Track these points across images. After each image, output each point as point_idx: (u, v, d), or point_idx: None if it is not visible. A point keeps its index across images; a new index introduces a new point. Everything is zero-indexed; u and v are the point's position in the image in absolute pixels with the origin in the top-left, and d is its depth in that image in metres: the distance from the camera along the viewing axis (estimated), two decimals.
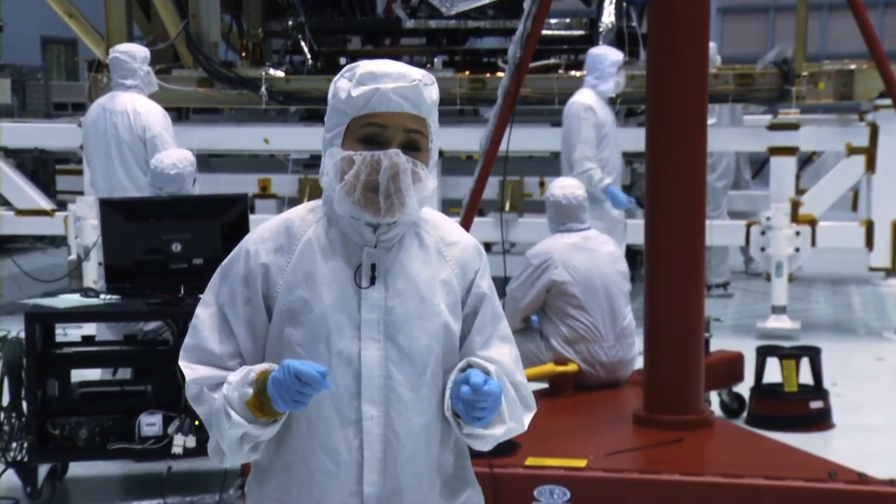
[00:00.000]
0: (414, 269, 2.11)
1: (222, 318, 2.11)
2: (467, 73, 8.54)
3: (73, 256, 8.28)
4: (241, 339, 2.11)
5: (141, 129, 6.06)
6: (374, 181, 2.02)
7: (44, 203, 8.70)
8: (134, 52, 6.28)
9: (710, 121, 8.32)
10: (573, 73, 8.35)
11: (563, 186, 5.45)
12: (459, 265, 2.16)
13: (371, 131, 2.05)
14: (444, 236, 2.18)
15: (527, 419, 2.17)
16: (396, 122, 2.04)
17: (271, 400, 1.97)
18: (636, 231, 6.81)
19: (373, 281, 2.08)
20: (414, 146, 2.06)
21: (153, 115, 6.13)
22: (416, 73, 2.07)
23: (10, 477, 4.65)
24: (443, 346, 2.10)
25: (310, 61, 8.91)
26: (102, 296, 4.84)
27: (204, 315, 2.14)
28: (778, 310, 7.74)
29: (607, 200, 6.90)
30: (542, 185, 8.22)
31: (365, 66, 2.08)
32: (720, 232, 7.91)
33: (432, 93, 2.09)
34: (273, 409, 1.99)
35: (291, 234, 2.14)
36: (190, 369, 2.10)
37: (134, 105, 6.11)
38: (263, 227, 2.18)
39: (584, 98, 7.01)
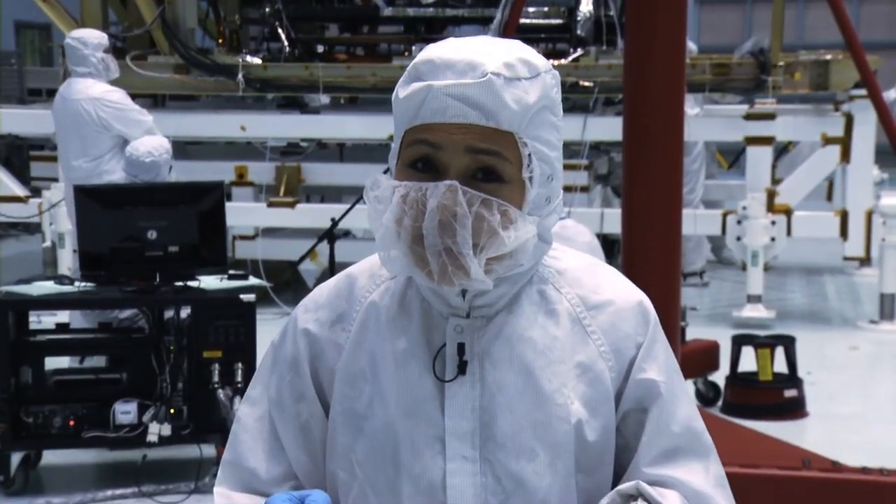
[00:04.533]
0: (528, 348, 1.40)
1: (271, 423, 1.48)
2: None
3: (48, 243, 8.24)
4: (294, 454, 1.47)
5: (96, 115, 5.97)
6: (422, 229, 1.34)
7: (18, 189, 8.64)
8: (85, 39, 6.16)
9: (695, 110, 8.38)
10: (551, 61, 8.35)
11: None
12: (610, 339, 1.43)
13: (419, 153, 1.35)
14: (585, 294, 1.44)
15: None
16: (454, 138, 1.33)
17: None
18: (613, 220, 6.82)
19: (461, 369, 1.39)
20: (491, 175, 1.35)
21: (105, 103, 5.99)
22: (496, 62, 1.34)
23: None
24: (575, 467, 1.40)
25: (287, 48, 8.87)
26: (77, 283, 4.81)
27: (248, 419, 1.49)
28: (753, 299, 7.78)
29: None
30: None
31: (432, 48, 1.39)
32: (696, 221, 7.95)
33: (528, 91, 1.35)
34: None
35: (354, 296, 1.46)
36: (226, 498, 1.47)
37: (88, 91, 6.00)
38: (323, 287, 1.51)
39: None
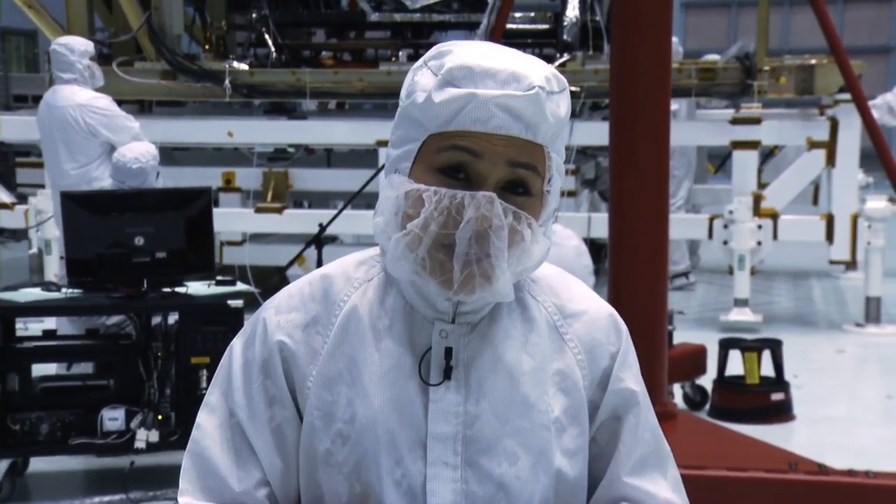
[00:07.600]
0: (511, 355, 1.42)
1: (236, 429, 1.44)
2: None
3: (34, 250, 8.21)
4: (268, 459, 1.43)
5: (83, 122, 5.96)
6: (451, 237, 1.32)
7: (4, 196, 8.61)
8: (72, 45, 6.15)
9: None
10: None
11: None
12: (585, 348, 1.46)
13: (456, 159, 1.33)
14: (561, 304, 1.47)
15: None
16: (497, 149, 1.32)
17: None
18: (600, 224, 6.84)
19: (447, 374, 1.39)
20: (520, 188, 1.35)
21: (92, 109, 5.97)
22: (538, 75, 1.34)
23: None
24: (556, 473, 1.42)
25: (274, 54, 8.87)
26: (64, 290, 4.80)
27: (209, 426, 1.45)
28: (740, 303, 7.80)
29: None
30: None
31: (460, 52, 1.35)
32: (683, 225, 7.98)
33: (560, 105, 1.36)
34: None
35: (330, 300, 1.44)
36: None
37: (74, 98, 5.99)
38: (292, 289, 1.49)
39: None
